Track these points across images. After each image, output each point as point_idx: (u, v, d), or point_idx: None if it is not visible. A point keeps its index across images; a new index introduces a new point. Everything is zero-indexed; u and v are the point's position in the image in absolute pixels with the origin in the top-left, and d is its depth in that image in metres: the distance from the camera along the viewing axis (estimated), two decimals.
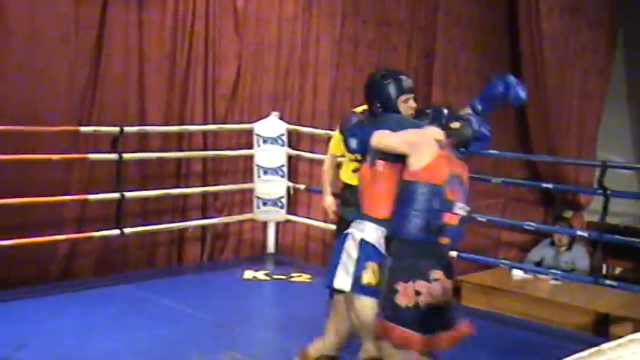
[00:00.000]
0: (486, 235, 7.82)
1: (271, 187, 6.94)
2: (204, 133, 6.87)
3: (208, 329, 5.07)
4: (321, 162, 6.87)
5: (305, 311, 5.77)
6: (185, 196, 6.75)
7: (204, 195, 6.91)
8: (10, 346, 4.40)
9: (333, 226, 6.68)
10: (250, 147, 6.97)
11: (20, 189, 5.49)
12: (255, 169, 6.96)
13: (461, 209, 3.20)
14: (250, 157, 6.99)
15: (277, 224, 7.16)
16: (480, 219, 6.05)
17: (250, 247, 7.27)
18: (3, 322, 4.91)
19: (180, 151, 6.68)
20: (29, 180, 5.64)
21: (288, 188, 6.98)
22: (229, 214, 7.04)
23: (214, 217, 6.91)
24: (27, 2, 5.72)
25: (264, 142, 6.92)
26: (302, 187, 6.99)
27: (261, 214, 7.01)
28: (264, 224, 7.16)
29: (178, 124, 6.62)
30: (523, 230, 7.38)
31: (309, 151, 7.02)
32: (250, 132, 6.97)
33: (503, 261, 6.68)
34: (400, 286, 3.11)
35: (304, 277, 6.46)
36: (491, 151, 6.08)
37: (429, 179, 3.17)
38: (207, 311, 5.41)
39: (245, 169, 7.09)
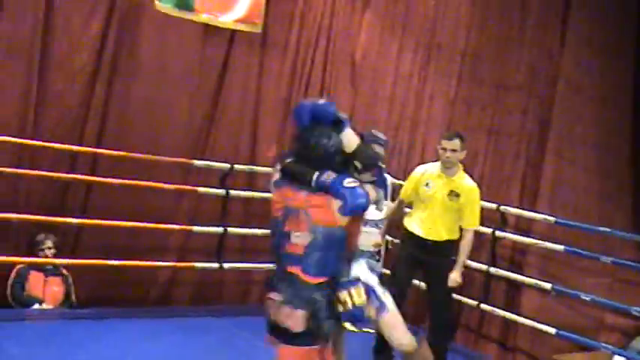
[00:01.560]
0: (588, 315, 7.50)
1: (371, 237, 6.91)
2: None
3: None
4: None
5: None
6: None
7: None
8: None
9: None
10: None
11: (132, 213, 5.72)
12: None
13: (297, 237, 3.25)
14: None
15: None
16: (583, 297, 5.84)
17: None
18: (103, 338, 5.09)
19: None
20: (141, 205, 5.88)
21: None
22: None
23: None
24: (158, 40, 6.06)
25: None
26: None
27: None
28: None
29: None
30: (629, 315, 7.04)
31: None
32: None
33: (605, 345, 6.38)
34: None
35: None
36: (601, 228, 5.91)
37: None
38: None
39: None
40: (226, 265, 6.19)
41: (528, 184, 6.63)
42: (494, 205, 6.24)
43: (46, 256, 5.59)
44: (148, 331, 5.42)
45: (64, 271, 5.73)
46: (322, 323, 3.23)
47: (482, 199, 6.46)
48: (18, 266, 5.56)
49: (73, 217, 5.60)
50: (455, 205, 5.15)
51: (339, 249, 3.23)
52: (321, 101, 3.44)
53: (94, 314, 5.56)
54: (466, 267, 6.35)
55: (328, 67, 6.95)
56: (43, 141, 5.48)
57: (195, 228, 6.08)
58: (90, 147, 5.75)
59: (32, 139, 5.48)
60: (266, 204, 6.53)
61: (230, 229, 6.20)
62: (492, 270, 6.16)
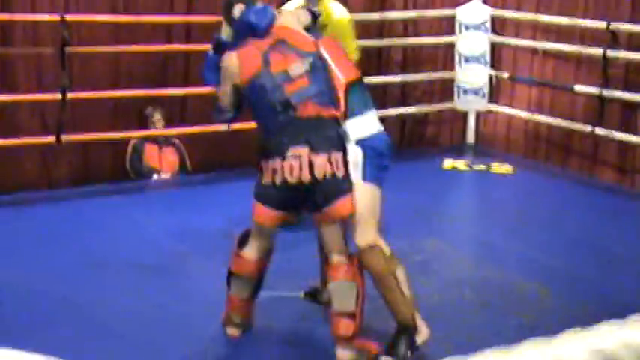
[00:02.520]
0: None
1: (473, 75, 6.77)
2: (405, 20, 6.78)
3: (407, 215, 5.13)
4: (527, 49, 6.62)
5: (506, 202, 5.72)
6: (385, 84, 6.77)
7: (403, 83, 6.90)
8: (232, 221, 4.75)
9: (538, 117, 6.47)
10: (452, 34, 6.80)
11: None
12: (457, 56, 6.80)
13: (297, 68, 3.04)
14: (451, 45, 6.83)
15: (478, 114, 7.02)
16: None
17: (450, 137, 7.21)
18: (219, 199, 5.30)
19: (381, 38, 6.66)
20: None
21: (491, 77, 6.78)
22: (429, 103, 7.00)
23: (414, 106, 6.90)
24: None
25: (467, 28, 6.72)
26: (505, 75, 6.76)
27: (461, 103, 6.89)
28: (465, 114, 7.04)
29: (379, 11, 6.57)
30: None
31: (514, 38, 6.73)
32: (452, 18, 6.78)
33: None
34: (263, 165, 3.06)
35: (505, 168, 6.33)
36: None
37: None
38: (406, 198, 5.49)
39: (446, 56, 6.95)
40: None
41: None
42: (603, 23, 5.89)
43: (157, 128, 5.80)
44: None
45: (176, 141, 5.93)
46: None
47: (587, 16, 6.15)
48: (132, 141, 5.79)
49: (175, 87, 5.72)
50: None
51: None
52: None
53: (210, 179, 5.78)
54: (575, 92, 6.16)
55: None
56: (136, 15, 5.54)
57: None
58: (181, 15, 5.77)
59: (125, 14, 5.55)
60: (362, 52, 6.52)
61: None
62: (605, 92, 5.91)
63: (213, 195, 5.43)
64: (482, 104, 6.84)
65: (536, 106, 6.65)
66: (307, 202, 3.06)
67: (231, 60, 3.12)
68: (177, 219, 4.85)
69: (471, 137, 7.05)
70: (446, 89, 6.99)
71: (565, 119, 6.31)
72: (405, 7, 6.75)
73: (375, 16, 6.52)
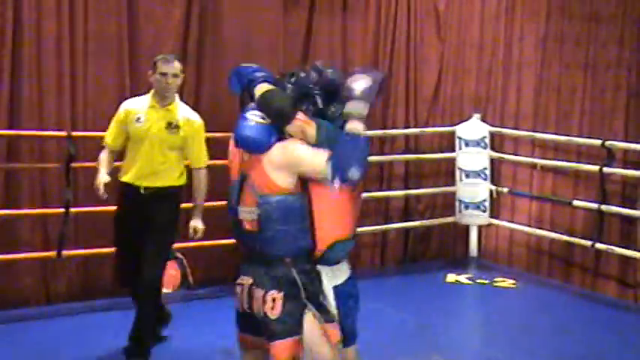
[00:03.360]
0: None
1: (474, 190, 6.84)
2: (407, 136, 6.92)
3: (412, 331, 5.09)
4: (525, 165, 6.71)
5: (510, 316, 5.65)
6: (388, 198, 6.83)
7: (406, 198, 6.96)
8: (231, 338, 4.65)
9: (539, 231, 6.48)
10: (452, 150, 6.92)
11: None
12: (458, 172, 6.90)
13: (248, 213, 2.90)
14: (452, 160, 6.94)
15: (480, 228, 7.04)
16: None
17: (452, 251, 7.21)
18: (223, 315, 5.21)
19: (383, 154, 6.77)
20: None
21: (491, 191, 6.84)
22: (431, 217, 7.04)
23: (416, 220, 6.94)
24: (240, 17, 6.09)
25: (467, 144, 6.84)
26: (505, 190, 6.83)
27: (463, 217, 6.93)
28: (467, 228, 7.07)
29: (381, 129, 6.71)
30: None
31: (512, 154, 6.84)
32: (452, 135, 6.92)
33: None
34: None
35: (508, 283, 6.30)
36: None
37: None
38: (410, 313, 5.45)
39: (447, 172, 7.05)
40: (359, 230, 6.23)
41: (632, 115, 6.35)
42: (598, 142, 6.01)
43: None
44: None
45: (179, 255, 5.90)
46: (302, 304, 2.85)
47: (585, 135, 6.28)
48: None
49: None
50: (175, 141, 4.38)
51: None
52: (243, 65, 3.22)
53: (212, 293, 5.73)
54: (574, 206, 6.19)
55: (412, 21, 6.86)
56: None
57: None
58: None
59: None
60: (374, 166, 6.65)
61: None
62: (604, 207, 5.94)
63: (214, 311, 5.36)
64: (484, 218, 6.87)
65: (537, 220, 6.68)
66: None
67: None
68: (177, 335, 4.76)
69: (473, 251, 7.05)
70: (448, 203, 7.05)
71: (565, 234, 6.32)
72: (407, 124, 6.89)
73: (378, 132, 6.65)
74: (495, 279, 6.37)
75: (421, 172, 7.04)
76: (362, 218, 6.55)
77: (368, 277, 6.44)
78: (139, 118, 4.34)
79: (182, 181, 4.47)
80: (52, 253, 5.23)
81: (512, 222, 6.83)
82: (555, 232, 6.42)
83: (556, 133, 6.46)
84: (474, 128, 6.85)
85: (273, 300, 2.81)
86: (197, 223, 4.45)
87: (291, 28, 6.31)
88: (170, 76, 4.33)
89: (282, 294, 2.82)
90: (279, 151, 2.86)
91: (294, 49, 6.36)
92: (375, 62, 6.71)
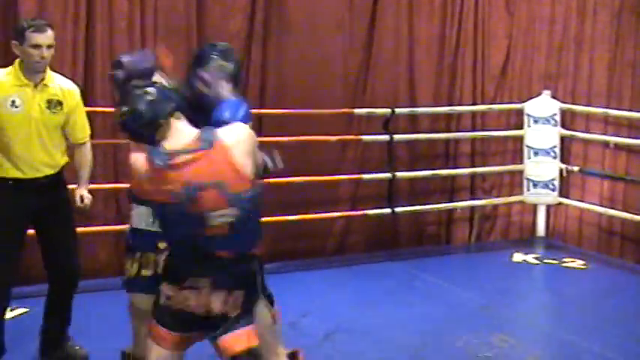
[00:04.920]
0: None
1: (542, 168, 6.71)
2: (473, 113, 6.83)
3: (476, 310, 5.06)
4: (597, 143, 6.54)
5: (579, 298, 5.56)
6: (454, 176, 6.78)
7: (472, 176, 6.89)
8: (296, 313, 4.76)
9: (611, 211, 6.33)
10: (520, 127, 6.80)
11: (300, 169, 5.87)
12: (526, 150, 6.77)
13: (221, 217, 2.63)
14: (520, 138, 6.82)
15: (548, 207, 6.91)
16: None
17: (519, 230, 7.11)
18: (289, 290, 5.28)
19: (449, 132, 6.71)
20: (308, 160, 6.01)
21: (561, 170, 6.70)
22: (498, 196, 6.95)
23: (482, 199, 6.86)
24: None
25: (535, 122, 6.71)
26: (576, 169, 6.68)
27: (531, 196, 6.81)
28: (534, 207, 6.95)
29: (447, 105, 6.64)
30: None
31: (584, 131, 6.68)
32: (520, 112, 6.79)
33: None
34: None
35: (578, 264, 6.18)
36: None
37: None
38: (475, 292, 5.41)
39: (515, 149, 6.94)
40: (398, 210, 6.23)
41: None
42: None
43: None
44: (328, 280, 5.62)
45: None
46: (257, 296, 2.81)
47: None
48: None
49: None
50: (60, 120, 3.87)
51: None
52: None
53: (277, 268, 5.80)
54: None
55: None
56: None
57: (364, 176, 6.16)
58: (253, 109, 5.92)
59: None
60: (430, 145, 6.61)
61: (398, 174, 6.23)
62: None
63: (279, 285, 5.41)
64: (553, 198, 6.74)
65: (609, 200, 6.52)
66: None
67: None
68: None
69: (541, 231, 6.93)
70: (515, 182, 6.94)
71: (639, 214, 6.16)
72: (473, 101, 6.81)
73: (444, 109, 6.59)
74: (564, 259, 6.27)
75: (488, 150, 6.94)
76: (427, 196, 6.58)
77: (433, 255, 6.45)
78: (13, 102, 3.71)
79: (66, 159, 4.00)
80: (126, 227, 5.36)
81: (583, 201, 6.68)
82: (628, 212, 6.25)
83: (630, 110, 6.26)
84: (543, 105, 6.71)
85: (236, 299, 2.69)
86: (84, 192, 4.03)
87: (356, 5, 6.28)
88: (45, 48, 3.70)
89: (243, 291, 2.71)
90: (235, 135, 2.66)
91: (360, 26, 6.33)
92: (441, 38, 6.63)
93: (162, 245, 3.04)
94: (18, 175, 3.78)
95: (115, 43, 5.46)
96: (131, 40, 5.51)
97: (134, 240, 3.27)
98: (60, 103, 3.84)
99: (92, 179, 5.40)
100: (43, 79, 3.79)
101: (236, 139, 2.63)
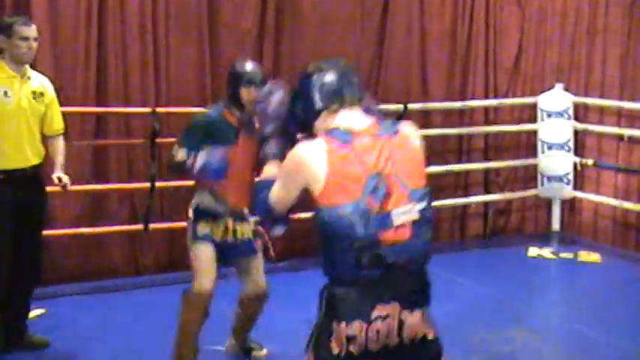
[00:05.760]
0: None
1: (556, 162, 6.68)
2: (486, 108, 6.81)
3: (492, 305, 5.05)
4: (611, 135, 6.51)
5: (595, 292, 5.54)
6: (467, 171, 6.76)
7: (486, 171, 6.87)
8: (311, 310, 4.71)
9: (627, 204, 6.29)
10: (534, 121, 6.77)
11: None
12: (539, 144, 6.75)
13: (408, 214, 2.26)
14: (534, 132, 6.80)
15: (563, 201, 6.89)
16: None
17: (534, 225, 7.08)
18: (303, 288, 5.26)
19: (462, 126, 6.69)
20: None
21: (575, 164, 6.67)
22: (512, 191, 6.92)
23: (496, 193, 6.84)
24: None
25: (549, 115, 6.68)
26: (590, 162, 6.64)
27: (545, 190, 6.79)
28: (549, 201, 6.93)
29: (460, 100, 6.62)
30: None
31: (597, 124, 6.65)
32: (534, 106, 6.77)
33: None
34: (334, 327, 2.30)
35: (593, 257, 6.16)
36: None
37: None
38: (491, 287, 5.40)
39: (528, 144, 6.91)
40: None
41: None
42: None
43: None
44: None
45: (260, 228, 5.99)
46: None
47: None
48: None
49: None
50: (42, 110, 4.04)
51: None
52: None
53: (291, 266, 5.81)
54: None
55: None
56: None
57: None
58: None
59: None
60: (443, 140, 6.59)
61: None
62: None
63: (295, 283, 5.44)
64: (567, 191, 6.71)
65: (624, 193, 6.49)
66: None
67: None
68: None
69: (556, 225, 6.91)
70: (528, 176, 6.92)
71: None
72: (486, 95, 6.78)
73: (457, 104, 6.57)
74: (579, 253, 6.24)
75: (501, 144, 6.92)
76: (441, 191, 6.56)
77: (447, 251, 6.43)
78: (5, 92, 3.86)
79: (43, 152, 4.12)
80: (139, 227, 5.39)
81: (598, 195, 6.65)
82: None
83: None
84: (556, 98, 6.68)
85: (428, 317, 2.34)
86: (61, 174, 4.07)
87: (368, 0, 6.28)
88: (32, 40, 3.92)
89: (428, 307, 2.36)
90: (414, 131, 2.43)
91: (372, 21, 6.33)
92: (453, 32, 6.61)
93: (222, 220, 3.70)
94: (9, 166, 3.90)
95: (127, 42, 5.47)
96: (142, 40, 5.51)
97: (198, 213, 3.78)
98: (42, 94, 4.04)
99: (105, 180, 5.47)
100: (25, 72, 3.98)
101: (414, 130, 2.44)
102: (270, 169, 2.57)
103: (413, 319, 2.28)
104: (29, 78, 3.99)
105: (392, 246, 2.23)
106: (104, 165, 5.55)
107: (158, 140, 5.30)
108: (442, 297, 3.10)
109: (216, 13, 5.79)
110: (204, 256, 3.73)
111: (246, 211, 3.86)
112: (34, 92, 3.99)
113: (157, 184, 5.34)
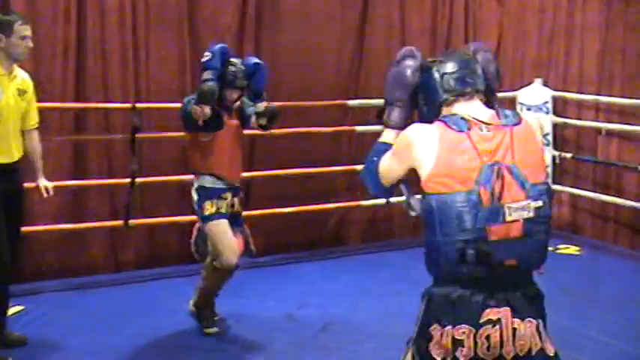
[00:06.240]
0: None
1: None
2: None
3: None
4: (589, 129, 6.57)
5: (574, 284, 5.58)
6: None
7: None
8: (293, 305, 4.79)
9: (605, 197, 6.35)
10: None
11: (295, 161, 5.88)
12: None
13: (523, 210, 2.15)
14: None
15: None
16: None
17: None
18: (286, 282, 5.33)
19: None
20: (302, 152, 6.02)
21: (554, 157, 6.73)
22: None
23: None
24: None
25: (528, 109, 6.73)
26: (568, 155, 6.70)
27: None
28: None
29: None
30: None
31: (576, 118, 6.71)
32: (513, 100, 6.81)
33: None
34: (435, 330, 2.19)
35: (572, 250, 6.22)
36: None
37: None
38: None
39: None
40: (393, 200, 6.21)
41: None
42: None
43: None
44: (325, 273, 5.62)
45: (242, 222, 6.00)
46: None
47: None
48: (197, 224, 5.87)
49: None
50: (24, 107, 4.04)
51: None
52: None
53: (273, 260, 5.82)
54: None
55: None
56: None
57: (359, 167, 6.14)
58: None
59: None
60: None
61: None
62: None
63: (276, 278, 5.46)
64: None
65: (602, 186, 6.56)
66: None
67: None
68: (241, 302, 4.86)
69: None
70: None
71: (632, 200, 6.19)
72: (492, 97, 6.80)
73: None
74: (559, 246, 6.29)
75: None
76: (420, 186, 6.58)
77: None
78: None
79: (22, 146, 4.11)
80: (120, 222, 5.37)
81: (576, 188, 6.71)
82: (621, 197, 6.29)
83: (622, 97, 6.29)
84: (535, 93, 6.73)
85: (542, 329, 2.19)
86: (47, 182, 4.18)
87: None
88: (30, 39, 3.91)
89: (542, 320, 2.21)
90: (533, 125, 2.37)
91: (353, 16, 6.34)
92: (432, 28, 6.65)
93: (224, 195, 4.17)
94: (8, 160, 3.92)
95: (107, 38, 5.45)
96: (122, 35, 5.49)
97: (204, 193, 4.17)
98: (25, 92, 4.03)
99: (85, 176, 5.44)
100: (13, 70, 3.96)
101: (536, 123, 2.39)
102: (387, 135, 2.46)
103: (527, 328, 2.13)
104: (15, 76, 3.97)
105: (501, 242, 2.10)
106: (84, 160, 5.52)
107: (138, 136, 5.28)
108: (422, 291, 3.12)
109: (196, 9, 5.78)
110: (222, 231, 4.14)
111: (238, 185, 4.34)
112: (18, 89, 3.98)
113: (138, 179, 5.32)
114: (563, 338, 4.40)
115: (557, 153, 6.71)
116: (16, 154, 4.00)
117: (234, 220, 4.32)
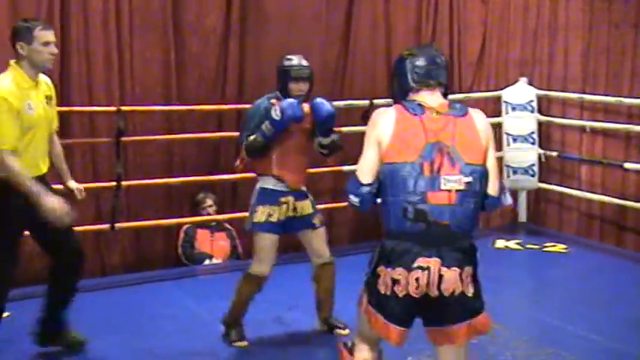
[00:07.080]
0: None
1: (521, 155, 6.76)
2: (452, 101, 6.84)
3: None
4: (574, 127, 6.60)
5: (562, 282, 5.61)
6: None
7: None
8: (283, 307, 4.77)
9: (590, 195, 6.39)
10: (498, 115, 6.84)
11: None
12: (504, 137, 6.82)
13: (455, 182, 2.65)
14: (499, 125, 6.86)
15: (528, 193, 6.97)
16: None
17: (500, 216, 7.15)
18: (274, 284, 5.28)
19: None
20: None
21: (540, 156, 6.75)
22: None
23: None
24: None
25: (513, 109, 6.76)
26: (554, 154, 6.73)
27: (511, 182, 6.86)
28: (515, 193, 7.00)
29: None
30: None
31: (561, 117, 6.73)
32: (498, 99, 6.83)
33: None
34: (381, 271, 2.70)
35: (559, 248, 6.24)
36: None
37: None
38: None
39: (494, 137, 6.96)
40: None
41: None
42: None
43: (209, 214, 5.88)
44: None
45: (228, 226, 5.99)
46: None
47: (635, 95, 6.13)
48: (184, 227, 5.86)
49: (226, 173, 5.83)
50: (52, 113, 3.91)
51: None
52: None
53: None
54: (626, 169, 6.07)
55: None
56: (188, 105, 5.71)
57: (345, 168, 6.16)
58: (232, 104, 5.92)
59: (177, 104, 5.72)
60: None
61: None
62: None
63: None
64: (533, 183, 6.80)
65: (588, 184, 6.59)
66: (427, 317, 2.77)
67: None
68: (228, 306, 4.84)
69: (522, 216, 6.99)
70: None
71: (617, 197, 6.23)
72: (451, 90, 6.81)
73: None
74: (545, 244, 6.32)
75: None
76: None
77: None
78: (29, 105, 3.64)
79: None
80: (106, 226, 5.34)
81: (562, 186, 6.74)
82: (607, 195, 6.32)
83: (606, 95, 6.33)
84: (520, 92, 6.76)
85: (468, 276, 2.68)
86: (77, 184, 4.17)
87: None
88: (54, 45, 3.72)
89: (471, 268, 2.70)
90: (482, 119, 2.84)
91: (337, 17, 6.35)
92: (417, 28, 6.66)
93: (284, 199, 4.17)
94: (36, 173, 3.72)
95: (91, 40, 5.42)
96: (106, 38, 5.46)
97: (262, 195, 4.19)
98: (51, 97, 3.87)
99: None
100: (38, 77, 3.76)
101: (483, 116, 2.84)
102: None
103: (450, 275, 2.63)
104: (40, 83, 3.78)
105: (436, 205, 2.61)
106: (69, 164, 5.42)
107: (123, 139, 5.26)
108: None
109: (181, 11, 5.77)
110: (266, 245, 4.23)
111: (304, 189, 4.32)
112: (46, 97, 3.80)
113: (123, 183, 5.29)
114: (550, 336, 4.46)
115: (542, 151, 6.74)
116: (43, 168, 3.83)
117: (299, 223, 4.33)
